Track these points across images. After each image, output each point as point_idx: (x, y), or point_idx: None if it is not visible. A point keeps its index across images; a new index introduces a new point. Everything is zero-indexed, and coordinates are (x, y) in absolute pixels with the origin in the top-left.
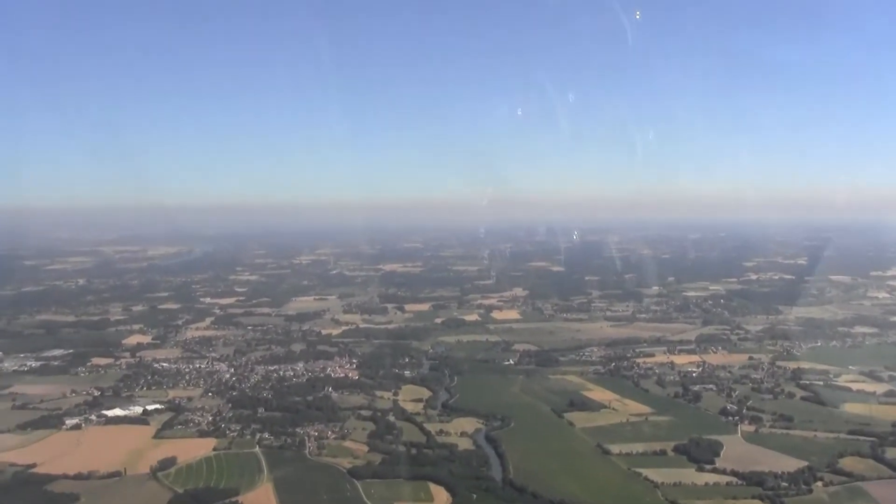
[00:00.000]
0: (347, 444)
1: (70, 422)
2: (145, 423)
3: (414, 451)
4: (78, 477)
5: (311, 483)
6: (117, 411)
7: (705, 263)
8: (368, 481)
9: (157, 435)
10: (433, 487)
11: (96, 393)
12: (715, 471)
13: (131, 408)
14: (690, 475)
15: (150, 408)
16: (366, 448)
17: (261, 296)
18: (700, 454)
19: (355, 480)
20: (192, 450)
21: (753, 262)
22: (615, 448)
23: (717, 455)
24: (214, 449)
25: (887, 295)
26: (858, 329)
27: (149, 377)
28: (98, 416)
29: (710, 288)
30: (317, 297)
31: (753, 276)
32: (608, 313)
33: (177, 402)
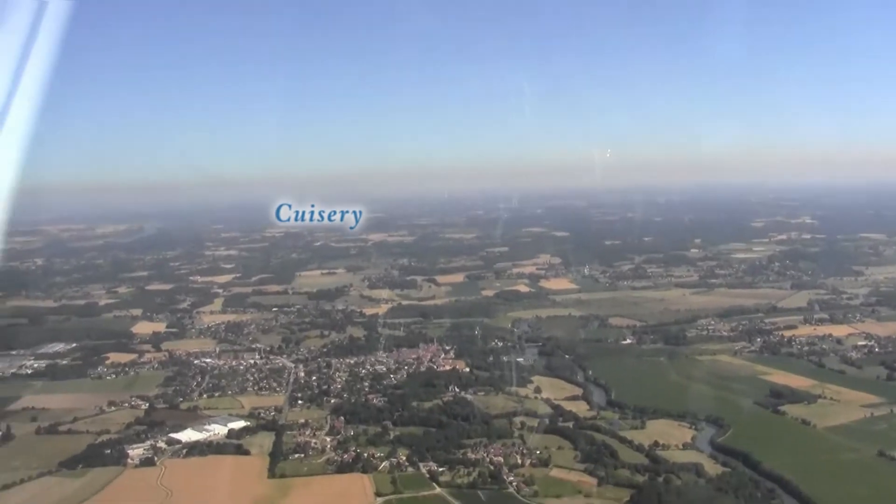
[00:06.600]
0: (557, 473)
1: (134, 453)
2: (243, 451)
3: (660, 479)
4: None
5: None
6: (191, 433)
7: (711, 225)
8: None
9: (274, 471)
10: None
11: (143, 405)
12: None
13: (208, 427)
14: None
15: (233, 426)
16: (591, 480)
17: (256, 272)
18: None
19: None
20: (357, 496)
21: (760, 222)
22: None
23: None
24: (378, 494)
25: None
26: None
27: (199, 379)
28: (170, 443)
29: (754, 249)
30: (324, 272)
31: (783, 237)
32: (673, 279)
33: (261, 415)
